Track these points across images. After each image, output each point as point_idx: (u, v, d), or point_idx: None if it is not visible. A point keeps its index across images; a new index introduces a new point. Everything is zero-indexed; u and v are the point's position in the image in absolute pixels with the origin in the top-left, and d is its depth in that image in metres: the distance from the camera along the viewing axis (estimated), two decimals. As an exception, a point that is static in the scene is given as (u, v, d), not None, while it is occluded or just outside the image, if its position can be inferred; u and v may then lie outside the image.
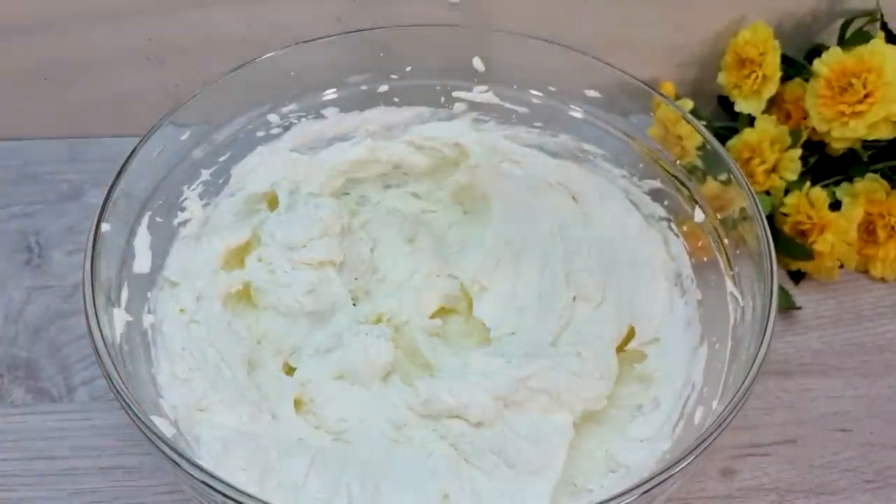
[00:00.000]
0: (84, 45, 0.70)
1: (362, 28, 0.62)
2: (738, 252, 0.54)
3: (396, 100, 0.63)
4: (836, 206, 0.68)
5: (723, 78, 0.73)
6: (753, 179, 0.68)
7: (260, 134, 0.61)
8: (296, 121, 0.62)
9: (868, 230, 0.68)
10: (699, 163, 0.58)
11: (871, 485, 0.58)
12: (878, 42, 0.66)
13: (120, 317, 0.50)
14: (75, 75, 0.72)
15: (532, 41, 0.61)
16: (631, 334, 0.57)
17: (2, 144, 0.74)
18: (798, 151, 0.67)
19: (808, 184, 0.67)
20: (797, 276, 0.69)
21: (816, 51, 0.70)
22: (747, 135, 0.68)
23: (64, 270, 0.66)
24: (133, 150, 0.53)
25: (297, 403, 0.52)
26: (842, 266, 0.69)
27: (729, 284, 0.54)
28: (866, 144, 0.69)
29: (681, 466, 0.43)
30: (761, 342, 0.47)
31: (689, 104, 0.71)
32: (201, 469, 0.41)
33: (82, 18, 0.69)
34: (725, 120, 0.75)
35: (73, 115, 0.74)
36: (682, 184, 0.59)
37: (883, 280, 0.69)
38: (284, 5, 0.70)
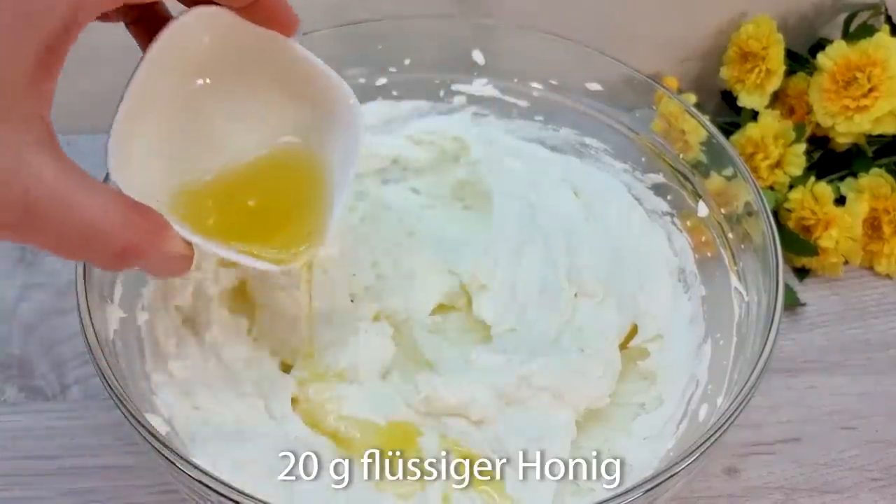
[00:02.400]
0: (83, 42, 0.69)
1: (360, 20, 0.61)
2: (742, 247, 0.54)
3: (395, 93, 0.63)
4: (840, 201, 0.67)
5: (726, 72, 0.72)
6: (757, 175, 0.67)
7: (257, 128, 0.60)
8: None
9: (873, 226, 0.67)
10: (703, 157, 0.57)
11: (878, 483, 0.57)
12: (883, 35, 0.66)
13: (113, 313, 0.49)
14: (73, 71, 0.71)
15: (533, 33, 0.60)
16: (634, 331, 0.56)
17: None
18: (802, 146, 0.67)
19: (812, 179, 0.67)
20: (801, 273, 0.68)
21: (820, 45, 0.70)
22: (751, 130, 0.68)
23: (57, 267, 0.65)
24: (128, 145, 0.52)
25: (295, 402, 0.51)
26: (846, 262, 0.68)
27: (733, 280, 0.54)
28: (871, 139, 0.69)
29: (684, 465, 0.42)
30: (767, 338, 0.47)
31: (692, 98, 0.70)
32: (196, 468, 0.40)
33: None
34: (728, 115, 0.74)
35: (69, 112, 0.73)
36: (686, 178, 0.58)
37: (888, 276, 0.69)
38: (282, -2, 0.69)
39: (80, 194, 0.32)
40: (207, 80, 0.43)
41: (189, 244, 0.38)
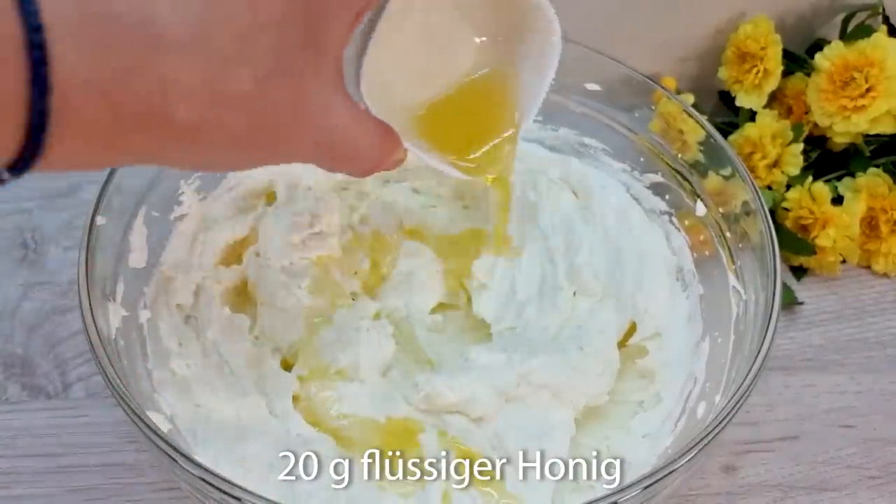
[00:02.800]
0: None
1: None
2: (740, 246, 0.54)
3: (395, 93, 0.63)
4: (838, 201, 0.67)
5: (724, 73, 0.72)
6: (755, 174, 0.67)
7: (258, 128, 0.60)
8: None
9: (870, 225, 0.68)
10: (701, 157, 0.57)
11: (875, 481, 0.57)
12: (880, 36, 0.66)
13: (115, 311, 0.49)
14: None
15: (532, 34, 0.60)
16: (632, 329, 0.56)
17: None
18: (800, 146, 0.67)
19: (809, 179, 0.67)
20: (799, 272, 0.68)
21: (818, 45, 0.70)
22: (748, 129, 0.68)
23: (60, 266, 0.65)
24: (129, 144, 0.53)
25: (296, 399, 0.51)
26: (844, 261, 0.69)
27: (731, 278, 0.54)
28: (868, 139, 0.69)
29: (682, 462, 0.42)
30: (764, 337, 0.47)
31: (690, 98, 0.71)
32: (198, 465, 0.41)
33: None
34: (726, 115, 0.74)
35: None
36: (684, 178, 0.58)
37: (885, 275, 0.69)
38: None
39: (358, 129, 0.37)
40: (440, 13, 0.46)
41: (405, 149, 0.43)
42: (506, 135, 0.49)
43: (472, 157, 0.49)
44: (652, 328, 0.56)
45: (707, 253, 0.57)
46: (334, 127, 0.36)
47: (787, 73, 0.71)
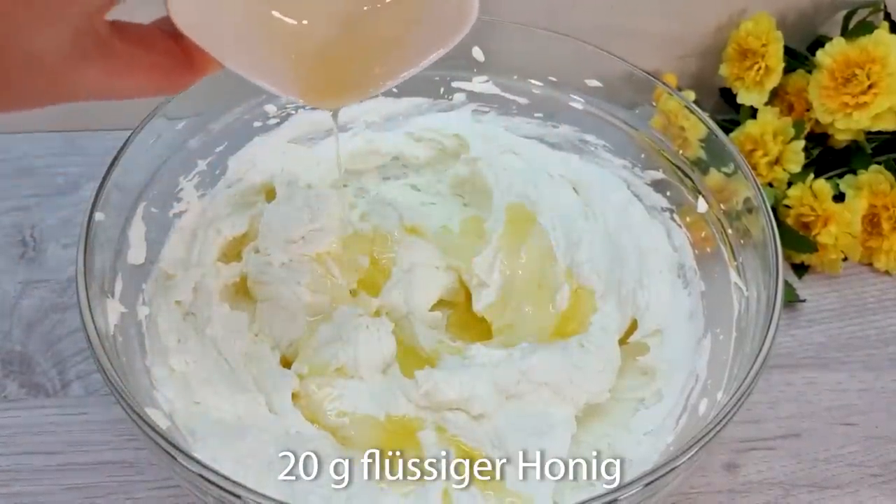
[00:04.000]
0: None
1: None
2: (741, 243, 0.54)
3: (395, 90, 0.63)
4: (839, 198, 0.67)
5: (725, 70, 0.72)
6: (756, 171, 0.67)
7: (257, 124, 0.60)
8: (293, 111, 0.61)
9: (872, 222, 0.67)
10: (702, 154, 0.57)
11: (877, 479, 0.57)
12: (882, 32, 0.66)
13: (114, 308, 0.49)
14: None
15: (533, 30, 0.60)
16: (633, 326, 0.56)
17: (-3, 138, 0.73)
18: (801, 143, 0.67)
19: (811, 176, 0.67)
20: (801, 270, 0.68)
21: (819, 42, 0.70)
22: (750, 127, 0.68)
23: (59, 264, 0.65)
24: (127, 141, 0.53)
25: (296, 397, 0.51)
26: (845, 259, 0.68)
27: (733, 275, 0.54)
28: (870, 136, 0.69)
29: (684, 459, 0.42)
30: (766, 334, 0.47)
31: (691, 95, 0.71)
32: (197, 462, 0.40)
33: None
34: (727, 112, 0.74)
35: (69, 108, 0.73)
36: (685, 175, 0.58)
37: (887, 273, 0.69)
38: (282, -4, 0.69)
39: (122, 79, 0.38)
40: None
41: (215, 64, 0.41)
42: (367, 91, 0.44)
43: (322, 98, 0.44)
44: (653, 325, 0.55)
45: (708, 250, 0.57)
46: (85, 91, 0.38)
47: (788, 70, 0.70)
